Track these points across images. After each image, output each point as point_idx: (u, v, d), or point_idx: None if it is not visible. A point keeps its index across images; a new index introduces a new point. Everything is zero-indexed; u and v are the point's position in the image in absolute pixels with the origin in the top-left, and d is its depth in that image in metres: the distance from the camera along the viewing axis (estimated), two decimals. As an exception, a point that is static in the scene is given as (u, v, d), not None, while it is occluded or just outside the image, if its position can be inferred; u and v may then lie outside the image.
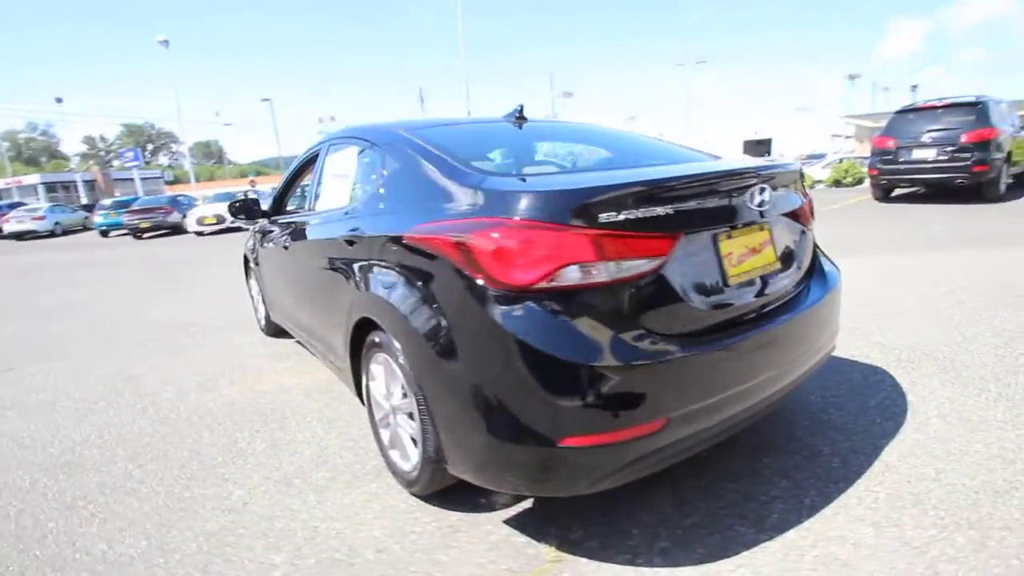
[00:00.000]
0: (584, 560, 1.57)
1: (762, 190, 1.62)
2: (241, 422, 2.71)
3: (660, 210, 1.39)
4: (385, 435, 2.09)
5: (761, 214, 1.65)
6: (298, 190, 3.57)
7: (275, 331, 4.11)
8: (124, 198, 22.09)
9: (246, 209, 3.54)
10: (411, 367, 1.65)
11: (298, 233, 2.78)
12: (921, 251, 5.51)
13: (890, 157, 9.08)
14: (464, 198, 1.53)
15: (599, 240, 1.32)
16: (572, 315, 1.34)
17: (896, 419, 2.21)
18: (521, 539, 1.69)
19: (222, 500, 2.03)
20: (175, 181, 54.25)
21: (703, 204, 1.49)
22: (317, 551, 1.70)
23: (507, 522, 1.77)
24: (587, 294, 1.34)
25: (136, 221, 17.39)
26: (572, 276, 1.32)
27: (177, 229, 17.96)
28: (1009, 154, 8.61)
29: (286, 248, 2.95)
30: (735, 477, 1.91)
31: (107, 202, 21.71)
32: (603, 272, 1.33)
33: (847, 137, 36.58)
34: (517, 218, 1.36)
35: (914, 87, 40.73)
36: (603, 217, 1.33)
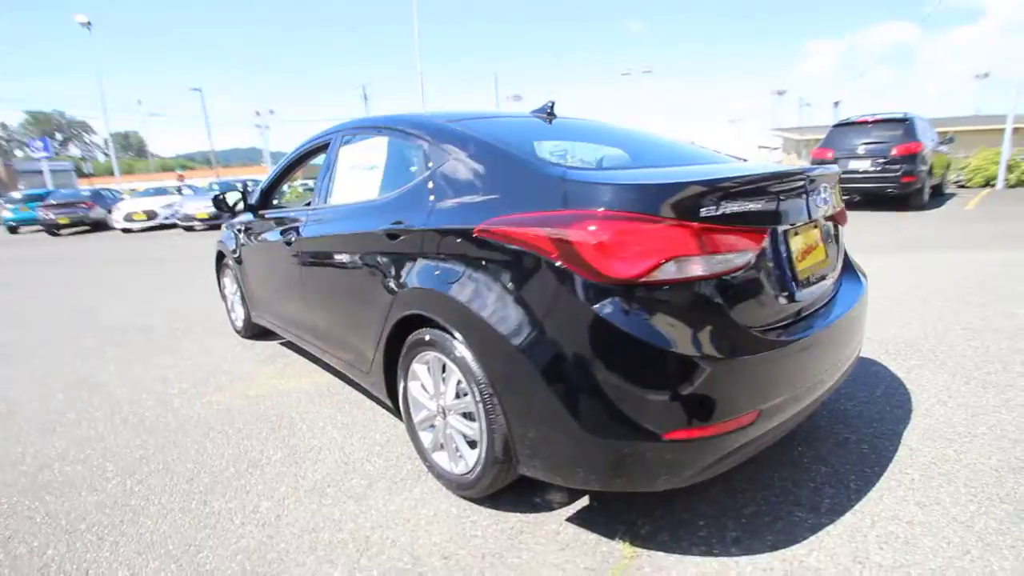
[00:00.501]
0: (662, 554, 1.57)
1: (824, 189, 1.69)
2: (245, 430, 2.51)
3: (752, 205, 1.42)
4: (426, 438, 2.00)
5: (814, 213, 1.72)
6: (291, 183, 3.37)
7: (254, 333, 3.86)
8: (36, 191, 19.99)
9: (231, 202, 3.31)
10: (480, 365, 1.59)
11: (306, 228, 2.62)
12: (872, 254, 5.96)
13: (829, 167, 9.77)
14: (546, 191, 1.49)
15: (700, 234, 1.33)
16: (676, 308, 1.33)
17: (904, 406, 2.37)
18: (590, 536, 1.66)
19: (250, 514, 1.87)
20: (93, 174, 49.83)
21: (782, 201, 1.53)
22: (377, 562, 1.60)
23: (570, 520, 1.75)
24: (687, 287, 1.34)
25: (53, 216, 15.81)
26: (674, 269, 1.32)
27: (99, 225, 16.51)
28: (931, 167, 9.50)
29: (288, 244, 2.77)
30: (776, 467, 1.97)
31: (17, 195, 19.63)
32: (702, 266, 1.34)
33: (774, 148, 39.06)
34: (620, 211, 1.34)
35: (836, 103, 44.15)
36: (704, 211, 1.34)
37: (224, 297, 4.21)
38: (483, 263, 1.58)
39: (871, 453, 2.02)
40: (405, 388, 2.03)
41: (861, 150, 9.44)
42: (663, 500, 1.79)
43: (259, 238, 3.25)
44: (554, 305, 1.41)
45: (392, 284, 1.95)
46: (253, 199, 3.36)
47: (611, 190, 1.37)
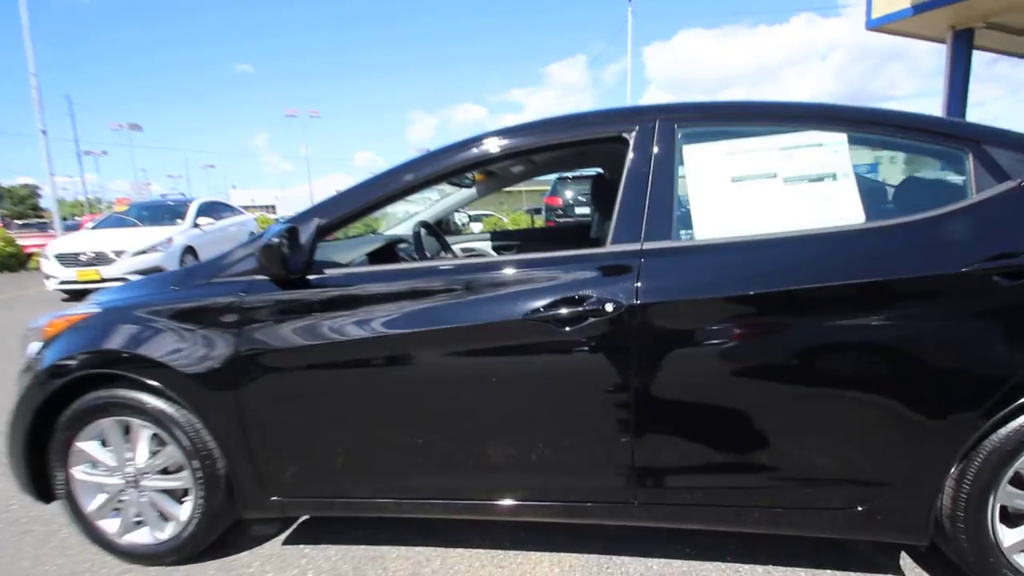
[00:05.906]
0: None
1: None
2: None
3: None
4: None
5: None
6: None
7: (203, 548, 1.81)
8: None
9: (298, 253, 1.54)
10: None
11: (659, 280, 1.44)
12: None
13: (561, 212, 11.60)
14: None
15: None
16: None
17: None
18: None
19: None
20: None
21: None
22: None
23: None
24: None
25: None
26: None
27: None
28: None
29: (562, 322, 1.42)
30: None
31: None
32: None
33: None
34: None
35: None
36: None
37: (73, 494, 1.79)
38: None
39: None
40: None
41: (581, 197, 11.54)
42: None
43: (366, 324, 1.56)
44: None
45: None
46: (302, 253, 1.59)
47: None
